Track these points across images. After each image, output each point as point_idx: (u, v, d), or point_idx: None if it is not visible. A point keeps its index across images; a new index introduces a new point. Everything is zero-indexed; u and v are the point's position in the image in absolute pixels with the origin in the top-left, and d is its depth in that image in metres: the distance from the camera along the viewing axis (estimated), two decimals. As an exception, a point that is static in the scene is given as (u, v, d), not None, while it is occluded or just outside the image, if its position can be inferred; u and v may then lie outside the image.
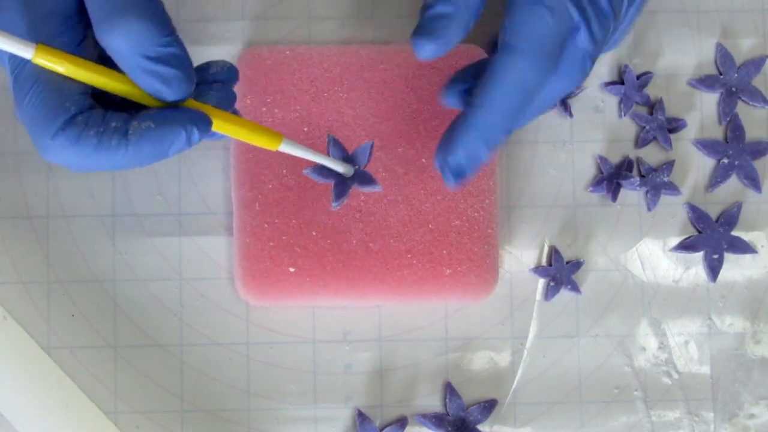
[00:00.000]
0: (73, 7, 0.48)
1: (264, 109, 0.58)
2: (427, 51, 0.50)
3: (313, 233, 0.58)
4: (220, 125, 0.48)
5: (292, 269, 0.58)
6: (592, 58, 0.51)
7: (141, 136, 0.46)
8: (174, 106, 0.47)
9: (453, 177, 0.50)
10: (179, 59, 0.47)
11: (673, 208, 0.61)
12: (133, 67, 0.46)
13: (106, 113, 0.47)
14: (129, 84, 0.47)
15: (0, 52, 0.48)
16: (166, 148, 0.47)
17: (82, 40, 0.48)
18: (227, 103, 0.50)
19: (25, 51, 0.45)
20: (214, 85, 0.50)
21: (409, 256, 0.58)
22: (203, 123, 0.47)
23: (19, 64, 0.47)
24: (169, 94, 0.47)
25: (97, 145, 0.46)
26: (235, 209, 0.58)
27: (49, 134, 0.46)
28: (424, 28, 0.50)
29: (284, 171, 0.58)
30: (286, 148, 0.50)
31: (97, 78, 0.46)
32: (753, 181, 0.61)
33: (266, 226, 0.58)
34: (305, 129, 0.58)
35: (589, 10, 0.50)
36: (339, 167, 0.53)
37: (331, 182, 0.53)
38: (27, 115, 0.46)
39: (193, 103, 0.48)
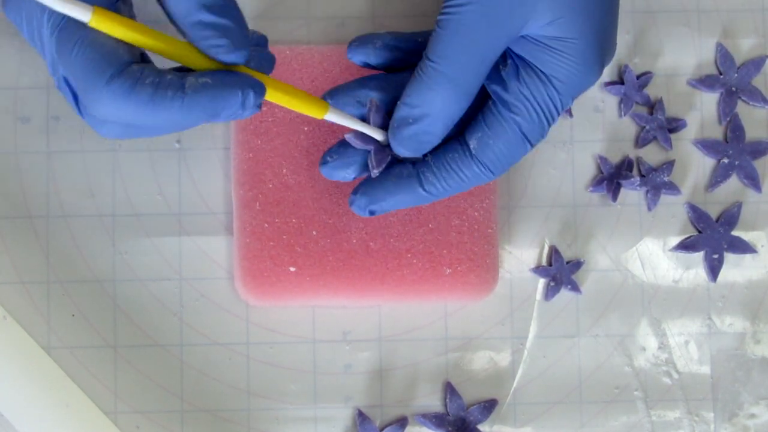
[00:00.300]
0: None
1: (264, 108, 0.58)
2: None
3: (314, 233, 0.58)
4: (272, 93, 0.49)
5: (292, 269, 0.58)
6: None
7: (197, 91, 0.45)
8: (229, 71, 0.47)
9: (364, 214, 0.55)
10: (236, 14, 0.47)
11: (674, 207, 0.61)
12: (192, 23, 0.46)
13: (161, 69, 0.46)
14: (185, 49, 0.47)
15: (25, 8, 0.48)
16: (220, 108, 0.46)
17: None
18: (269, 67, 0.50)
19: (83, 14, 0.44)
20: (253, 49, 0.49)
21: (409, 255, 0.58)
22: (259, 88, 0.47)
23: (63, 18, 0.46)
24: (227, 52, 0.46)
25: (152, 95, 0.45)
26: (235, 209, 0.58)
27: (104, 79, 0.45)
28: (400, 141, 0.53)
29: (284, 170, 0.58)
30: (331, 116, 0.51)
31: (153, 42, 0.46)
32: (753, 181, 0.61)
33: (266, 225, 0.58)
34: (305, 129, 0.58)
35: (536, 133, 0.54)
36: (378, 135, 0.54)
37: (371, 148, 0.54)
38: (78, 64, 0.45)
39: (245, 70, 0.48)
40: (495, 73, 0.53)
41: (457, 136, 0.54)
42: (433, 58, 0.51)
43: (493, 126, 0.53)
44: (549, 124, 0.53)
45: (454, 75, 0.51)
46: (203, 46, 0.46)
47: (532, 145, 0.53)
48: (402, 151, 0.53)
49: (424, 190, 0.54)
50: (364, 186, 0.54)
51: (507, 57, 0.53)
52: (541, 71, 0.52)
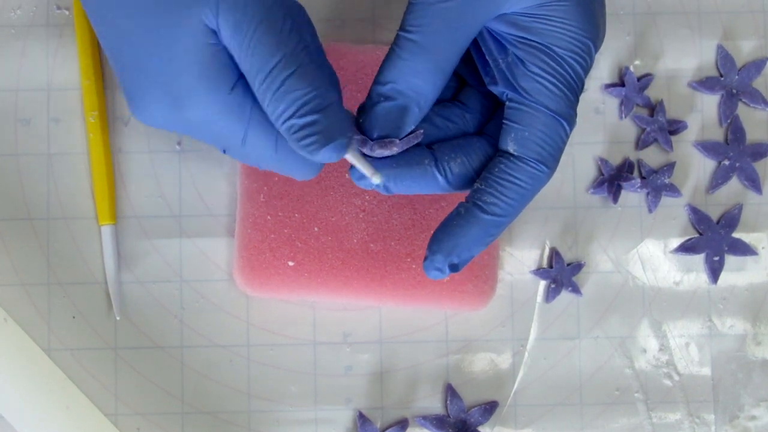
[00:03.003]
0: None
1: None
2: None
3: (315, 229, 0.58)
4: None
5: (291, 263, 0.58)
6: None
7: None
8: None
9: (446, 273, 0.51)
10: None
11: (674, 209, 0.61)
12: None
13: None
14: None
15: None
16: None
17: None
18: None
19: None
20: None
21: (408, 260, 0.58)
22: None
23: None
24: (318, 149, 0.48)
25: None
26: (239, 199, 0.58)
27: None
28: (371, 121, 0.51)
29: None
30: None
31: None
32: (754, 183, 0.61)
33: (269, 218, 0.58)
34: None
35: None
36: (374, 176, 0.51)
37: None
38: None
39: None
40: (500, 75, 0.51)
41: (494, 153, 0.51)
42: (407, 27, 0.49)
43: (522, 120, 0.50)
44: (573, 96, 0.50)
45: (427, 44, 0.49)
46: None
47: (567, 123, 0.50)
48: (373, 132, 0.50)
49: (489, 213, 0.50)
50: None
51: (506, 51, 0.51)
52: (540, 44, 0.50)
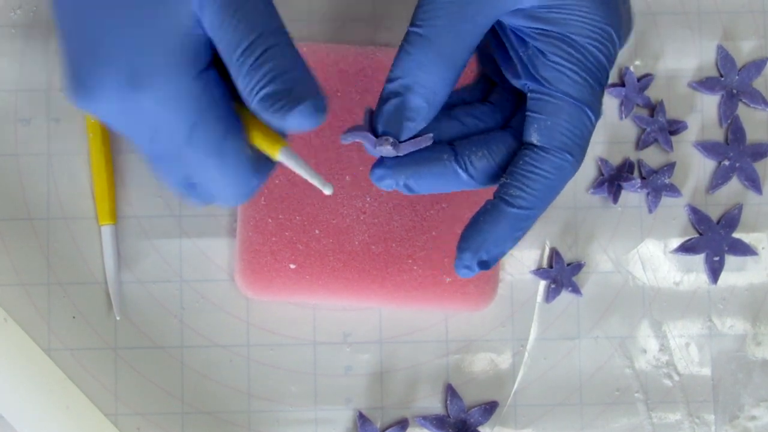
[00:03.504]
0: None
1: None
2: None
3: (316, 231, 0.58)
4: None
5: (292, 266, 0.58)
6: None
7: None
8: None
9: (477, 270, 0.50)
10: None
11: (674, 209, 0.61)
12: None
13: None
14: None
15: None
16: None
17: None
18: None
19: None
20: None
21: (410, 261, 0.58)
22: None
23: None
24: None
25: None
26: None
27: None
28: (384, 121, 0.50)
29: None
30: (284, 158, 0.48)
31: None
32: (754, 183, 0.61)
33: (270, 220, 0.58)
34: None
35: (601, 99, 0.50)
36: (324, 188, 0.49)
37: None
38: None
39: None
40: (522, 68, 0.50)
41: (519, 146, 0.51)
42: (416, 22, 0.49)
43: (544, 110, 0.49)
44: (596, 83, 0.49)
45: (433, 38, 0.48)
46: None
47: (591, 111, 0.49)
48: (383, 129, 0.49)
49: (515, 207, 0.49)
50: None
51: (526, 44, 0.50)
52: (558, 33, 0.49)
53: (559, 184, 0.50)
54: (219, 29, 0.47)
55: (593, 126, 0.49)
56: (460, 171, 0.50)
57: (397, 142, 0.49)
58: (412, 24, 0.49)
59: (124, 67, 0.47)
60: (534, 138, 0.49)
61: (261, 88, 0.47)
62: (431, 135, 0.50)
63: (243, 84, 0.47)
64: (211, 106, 0.48)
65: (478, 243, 0.49)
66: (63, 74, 0.48)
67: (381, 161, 0.50)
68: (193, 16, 0.47)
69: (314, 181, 0.48)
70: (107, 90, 0.47)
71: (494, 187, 0.51)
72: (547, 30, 0.49)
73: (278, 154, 0.47)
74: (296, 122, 0.46)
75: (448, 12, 0.49)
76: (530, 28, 0.50)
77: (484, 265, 0.50)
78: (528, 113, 0.50)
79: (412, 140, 0.49)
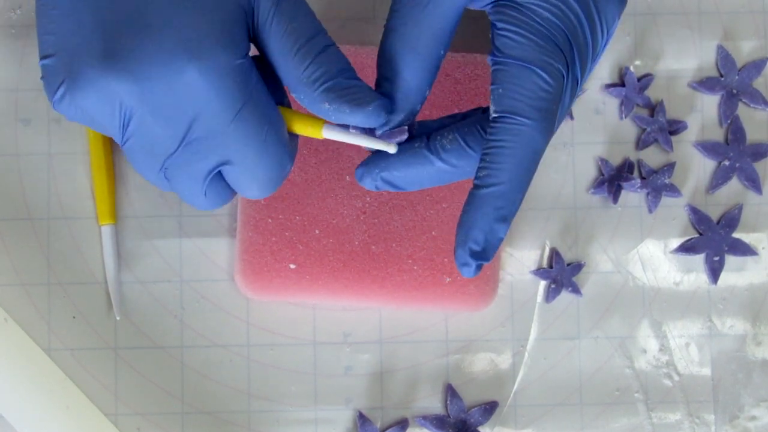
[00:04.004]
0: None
1: None
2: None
3: (316, 231, 0.58)
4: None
5: (292, 266, 0.58)
6: (569, 109, 0.50)
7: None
8: None
9: (476, 263, 0.48)
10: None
11: (674, 209, 0.61)
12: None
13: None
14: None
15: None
16: None
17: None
18: None
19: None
20: None
21: (410, 261, 0.58)
22: None
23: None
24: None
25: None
26: (240, 202, 0.58)
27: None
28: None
29: (292, 167, 0.58)
30: (330, 134, 0.49)
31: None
32: (754, 183, 0.61)
33: (270, 220, 0.58)
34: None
35: (577, 65, 0.49)
36: (385, 146, 0.50)
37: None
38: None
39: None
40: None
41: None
42: (387, 17, 0.50)
43: (497, 79, 0.48)
44: (547, 42, 0.48)
45: (400, 29, 0.49)
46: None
47: (542, 69, 0.47)
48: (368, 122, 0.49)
49: (484, 186, 0.48)
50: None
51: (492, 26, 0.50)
52: (506, 2, 0.49)
53: (525, 153, 0.47)
54: (287, 12, 0.48)
55: (550, 87, 0.48)
56: (432, 156, 0.49)
57: (365, 131, 0.49)
58: (387, 19, 0.50)
59: (173, 39, 0.46)
60: (492, 110, 0.48)
61: (327, 80, 0.48)
62: (405, 128, 0.50)
63: (304, 75, 0.48)
64: (257, 89, 0.48)
65: (464, 235, 0.48)
66: (71, 62, 0.46)
67: (370, 161, 0.50)
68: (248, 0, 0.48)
69: (370, 144, 0.49)
70: (153, 64, 0.46)
71: None
72: (498, 1, 0.49)
73: (323, 131, 0.49)
74: (364, 118, 0.48)
75: (409, 2, 0.49)
76: (489, 5, 0.50)
77: (479, 255, 0.48)
78: (490, 87, 0.49)
79: (388, 132, 0.49)
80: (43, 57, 0.48)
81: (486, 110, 0.50)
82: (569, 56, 0.49)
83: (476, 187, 0.48)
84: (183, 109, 0.47)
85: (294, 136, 0.51)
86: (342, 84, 0.48)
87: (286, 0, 0.48)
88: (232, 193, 0.51)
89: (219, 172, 0.49)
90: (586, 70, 0.50)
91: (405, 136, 0.50)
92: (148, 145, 0.48)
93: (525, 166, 0.48)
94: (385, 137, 0.49)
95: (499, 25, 0.49)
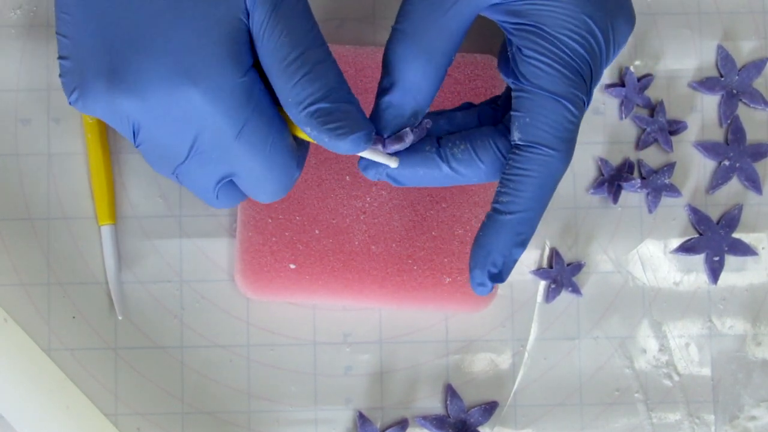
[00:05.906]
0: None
1: None
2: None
3: (316, 231, 0.58)
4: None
5: (292, 266, 0.58)
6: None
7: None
8: None
9: (490, 284, 0.50)
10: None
11: (674, 210, 0.61)
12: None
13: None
14: None
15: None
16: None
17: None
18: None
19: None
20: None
21: (410, 261, 0.58)
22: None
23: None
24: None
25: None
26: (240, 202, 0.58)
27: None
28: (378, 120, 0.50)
29: None
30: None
31: None
32: (754, 183, 0.61)
33: (270, 221, 0.58)
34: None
35: (593, 90, 0.50)
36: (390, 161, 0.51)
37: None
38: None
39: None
40: (511, 65, 0.50)
41: (505, 143, 0.50)
42: (397, 18, 0.49)
43: (523, 107, 0.49)
44: (575, 75, 0.49)
45: (412, 32, 0.49)
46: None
47: (570, 102, 0.48)
48: (376, 127, 0.50)
49: (507, 213, 0.49)
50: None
51: (511, 42, 0.50)
52: (532, 26, 0.49)
53: (548, 182, 0.49)
54: (271, 30, 0.47)
55: (576, 118, 0.49)
56: (441, 162, 0.50)
57: (382, 139, 0.50)
58: (396, 21, 0.50)
59: (174, 60, 0.46)
60: (516, 136, 0.49)
61: (311, 103, 0.47)
62: (408, 130, 0.50)
63: (291, 94, 0.47)
64: (261, 103, 0.48)
65: (484, 258, 0.50)
66: (83, 71, 0.47)
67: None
68: (243, 11, 0.47)
69: (372, 157, 0.49)
70: (154, 85, 0.47)
71: (487, 183, 0.51)
72: (523, 24, 0.49)
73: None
74: (347, 147, 0.47)
75: (425, 6, 0.49)
76: (509, 23, 0.50)
77: (497, 277, 0.50)
78: (512, 112, 0.49)
79: (397, 135, 0.50)
80: (60, 57, 0.49)
81: (493, 104, 0.52)
82: (589, 84, 0.50)
83: (498, 211, 0.49)
84: (187, 126, 0.48)
85: (305, 141, 0.50)
86: (325, 110, 0.47)
87: (281, 10, 0.47)
88: (245, 195, 0.51)
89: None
90: (595, 88, 0.51)
91: (409, 142, 0.50)
92: (158, 153, 0.49)
93: (546, 193, 0.49)
94: (390, 141, 0.50)
95: (526, 51, 0.49)
